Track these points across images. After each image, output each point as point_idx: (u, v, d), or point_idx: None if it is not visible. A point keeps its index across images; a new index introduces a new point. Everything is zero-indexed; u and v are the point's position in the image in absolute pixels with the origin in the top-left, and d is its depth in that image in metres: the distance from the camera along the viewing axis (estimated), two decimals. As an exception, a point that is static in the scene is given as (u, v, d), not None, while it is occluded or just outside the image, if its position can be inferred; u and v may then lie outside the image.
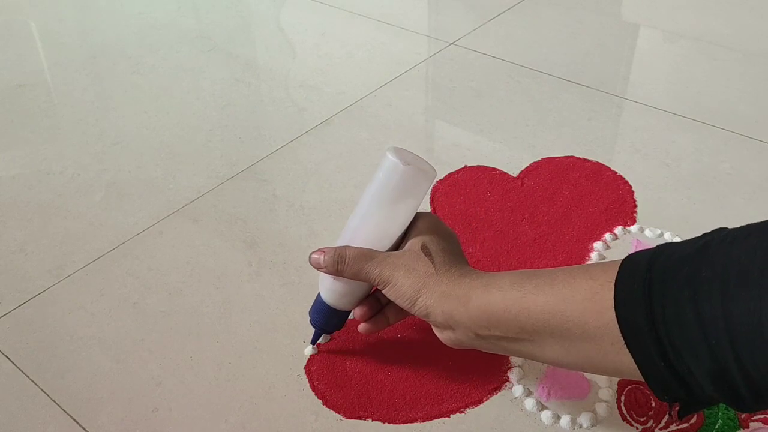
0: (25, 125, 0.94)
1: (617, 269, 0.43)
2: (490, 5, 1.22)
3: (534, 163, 0.84)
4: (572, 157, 0.85)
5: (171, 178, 0.83)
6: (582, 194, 0.79)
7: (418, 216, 0.55)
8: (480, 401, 0.57)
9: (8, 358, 0.61)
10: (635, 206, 0.77)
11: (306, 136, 0.90)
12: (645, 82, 1.01)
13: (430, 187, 0.54)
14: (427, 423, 0.56)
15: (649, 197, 0.79)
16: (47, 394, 0.58)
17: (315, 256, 0.55)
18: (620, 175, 0.82)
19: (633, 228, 0.74)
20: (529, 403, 0.56)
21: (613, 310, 0.42)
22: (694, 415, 0.55)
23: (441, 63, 1.06)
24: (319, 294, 0.58)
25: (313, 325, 0.59)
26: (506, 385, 0.58)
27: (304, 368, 0.60)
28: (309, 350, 0.61)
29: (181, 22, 1.20)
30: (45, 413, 0.57)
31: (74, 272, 0.70)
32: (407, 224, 0.55)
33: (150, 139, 0.90)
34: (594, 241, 0.73)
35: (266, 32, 1.18)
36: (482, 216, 0.76)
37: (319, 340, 0.62)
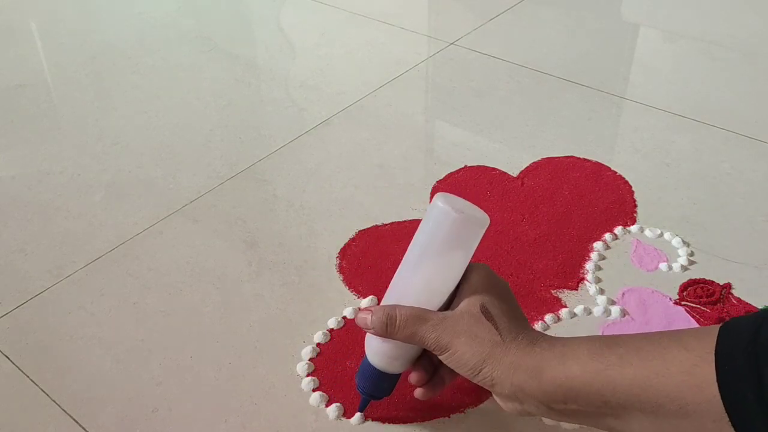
0: (25, 125, 0.94)
1: (715, 338, 0.39)
2: (490, 5, 1.22)
3: (534, 163, 0.84)
4: (572, 157, 0.85)
5: (171, 178, 0.83)
6: (582, 194, 0.79)
7: (469, 268, 0.50)
8: (480, 401, 0.57)
9: (8, 358, 0.61)
10: (635, 206, 0.77)
11: (306, 136, 0.90)
12: (645, 82, 1.01)
13: (479, 240, 0.50)
14: (427, 423, 0.56)
15: (649, 197, 0.79)
16: (47, 394, 0.58)
17: (362, 315, 0.50)
18: (620, 175, 0.82)
19: (633, 228, 0.74)
20: (529, 403, 0.56)
21: (716, 385, 0.38)
22: None
23: (441, 63, 1.06)
24: (366, 357, 0.53)
25: (360, 392, 0.54)
26: (506, 385, 0.58)
27: (305, 368, 0.60)
28: (357, 419, 0.55)
29: (181, 22, 1.20)
30: (45, 413, 0.57)
31: (74, 272, 0.70)
32: (459, 278, 0.50)
33: (150, 139, 0.90)
34: (594, 241, 0.73)
35: (266, 32, 1.18)
36: (482, 216, 0.76)
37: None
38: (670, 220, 0.75)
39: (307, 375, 0.59)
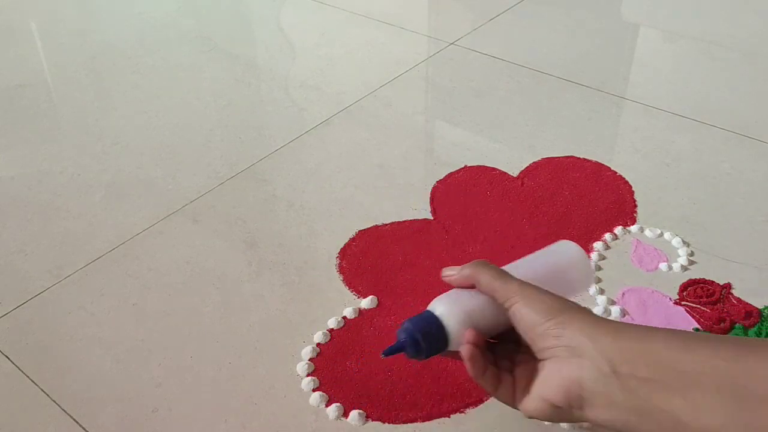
0: (25, 125, 0.94)
1: None
2: (490, 5, 1.22)
3: (534, 163, 0.84)
4: (572, 157, 0.85)
5: (171, 178, 0.83)
6: (582, 194, 0.79)
7: None
8: (480, 401, 0.57)
9: (8, 358, 0.61)
10: (635, 206, 0.77)
11: (306, 136, 0.90)
12: (645, 82, 1.01)
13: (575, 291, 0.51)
14: (427, 423, 0.56)
15: (649, 197, 0.79)
16: (47, 394, 0.58)
17: (448, 269, 0.48)
18: (620, 175, 0.82)
19: (633, 228, 0.74)
20: (529, 403, 0.56)
21: None
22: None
23: (441, 63, 1.06)
24: (427, 311, 0.48)
25: (402, 336, 0.46)
26: (506, 385, 0.58)
27: (305, 368, 0.60)
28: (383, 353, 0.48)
29: (181, 22, 1.20)
30: (45, 413, 0.57)
31: (74, 272, 0.70)
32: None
33: (150, 139, 0.90)
34: (594, 241, 0.73)
35: (266, 32, 1.18)
36: (482, 216, 0.76)
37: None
38: (670, 220, 0.75)
39: (307, 375, 0.59)
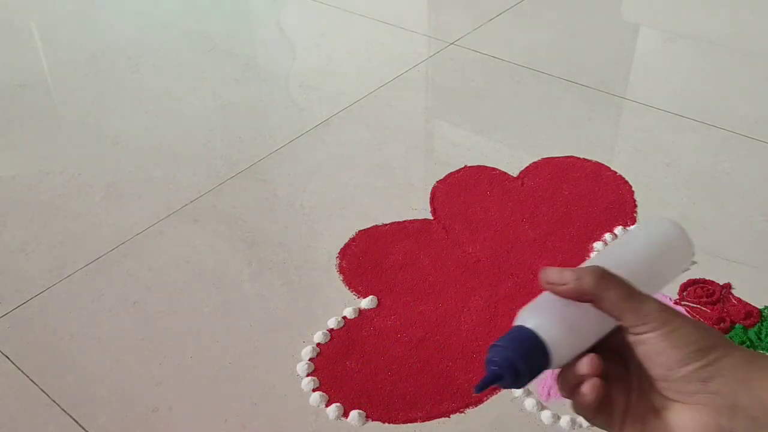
0: (25, 125, 0.94)
1: None
2: (490, 5, 1.22)
3: (534, 163, 0.84)
4: (572, 157, 0.85)
5: (171, 178, 0.83)
6: (582, 194, 0.79)
7: None
8: (480, 401, 0.57)
9: (8, 358, 0.61)
10: (635, 206, 0.77)
11: (306, 136, 0.90)
12: (645, 82, 1.00)
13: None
14: (427, 423, 0.56)
15: (649, 197, 0.79)
16: (47, 394, 0.58)
17: (555, 272, 0.37)
18: (620, 175, 0.82)
19: (633, 228, 0.74)
20: (529, 403, 0.56)
21: None
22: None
23: (441, 63, 1.06)
24: (519, 325, 0.38)
25: (491, 365, 0.36)
26: (506, 385, 0.58)
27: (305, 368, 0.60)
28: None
29: (181, 22, 1.20)
30: (45, 413, 0.57)
31: (74, 272, 0.70)
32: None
33: (150, 139, 0.90)
34: (594, 241, 0.73)
35: (266, 32, 1.18)
36: (482, 216, 0.76)
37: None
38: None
39: (307, 375, 0.59)
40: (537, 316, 0.38)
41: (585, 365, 0.37)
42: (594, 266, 0.38)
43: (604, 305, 0.37)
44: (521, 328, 0.37)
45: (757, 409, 0.35)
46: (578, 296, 0.37)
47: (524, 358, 0.36)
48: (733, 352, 0.35)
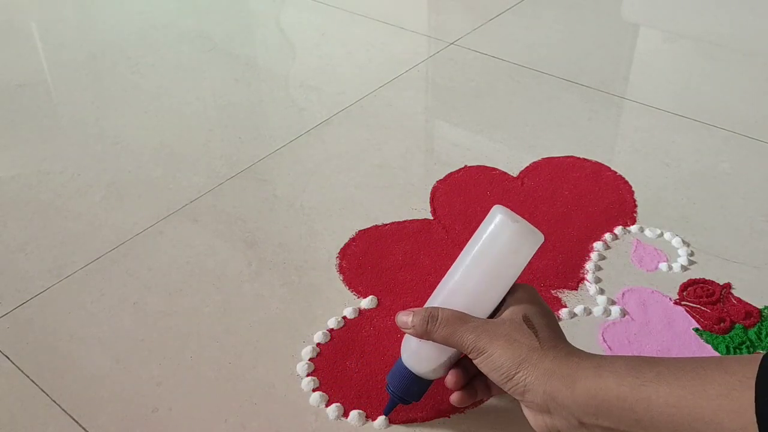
0: (25, 125, 0.94)
1: (757, 365, 0.38)
2: (490, 5, 1.22)
3: (534, 163, 0.84)
4: (572, 157, 0.85)
5: (171, 178, 0.83)
6: (582, 194, 0.79)
7: (516, 285, 0.50)
8: (480, 401, 0.57)
9: (8, 358, 0.62)
10: (635, 206, 0.77)
11: (306, 136, 0.90)
12: (645, 82, 1.01)
13: (533, 254, 0.50)
14: (427, 423, 0.56)
15: (649, 197, 0.79)
16: (47, 394, 0.58)
17: (403, 317, 0.50)
18: (620, 175, 0.82)
19: (633, 228, 0.74)
20: (529, 403, 0.56)
21: (753, 411, 0.36)
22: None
23: (441, 63, 1.06)
24: (400, 359, 0.53)
25: (390, 392, 0.53)
26: (506, 385, 0.58)
27: (305, 368, 0.60)
28: (381, 422, 0.55)
29: (181, 22, 1.20)
30: (45, 413, 0.57)
31: (74, 272, 0.70)
32: (507, 289, 0.50)
33: (150, 139, 0.90)
34: (594, 241, 0.73)
35: (266, 32, 1.18)
36: (482, 216, 0.76)
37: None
38: (670, 220, 0.75)
39: (307, 375, 0.59)
40: (405, 352, 0.52)
41: (448, 382, 0.51)
42: (424, 311, 0.50)
43: (436, 342, 0.49)
44: (399, 362, 0.53)
45: (567, 415, 0.44)
46: (420, 337, 0.50)
47: (406, 388, 0.52)
48: (538, 367, 0.44)
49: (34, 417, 0.57)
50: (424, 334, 0.49)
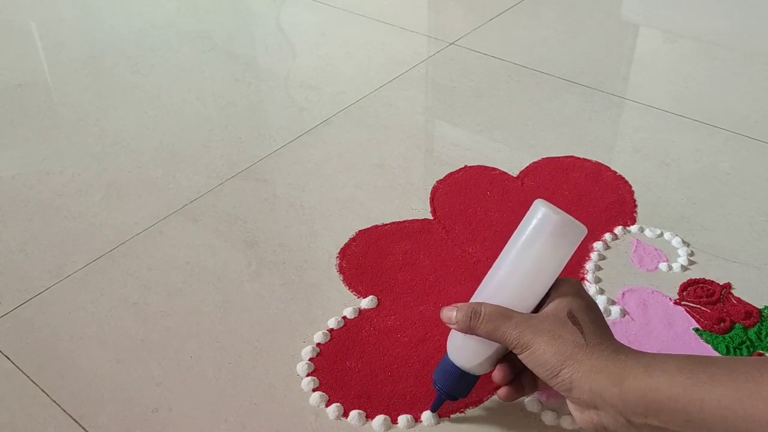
0: (25, 125, 0.94)
1: None
2: (490, 5, 1.22)
3: (534, 163, 0.84)
4: (572, 157, 0.85)
5: (171, 178, 0.83)
6: (582, 194, 0.79)
7: (560, 280, 0.50)
8: (480, 401, 0.57)
9: (8, 358, 0.61)
10: (635, 206, 0.77)
11: (306, 136, 0.90)
12: (645, 82, 1.01)
13: (576, 247, 0.50)
14: (427, 423, 0.56)
15: (649, 197, 0.79)
16: (47, 394, 0.58)
17: (447, 312, 0.50)
18: (620, 175, 0.82)
19: (633, 228, 0.74)
20: (530, 403, 0.56)
21: None
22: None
23: (441, 63, 1.06)
24: (446, 355, 0.53)
25: (436, 389, 0.53)
26: (506, 385, 0.58)
27: (305, 368, 0.60)
28: (428, 418, 0.55)
29: (181, 22, 1.20)
30: (45, 413, 0.57)
31: (74, 272, 0.70)
32: (551, 283, 0.50)
33: (150, 139, 0.90)
34: (594, 241, 0.73)
35: (266, 32, 1.18)
36: (482, 216, 0.76)
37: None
38: (670, 220, 0.75)
39: (307, 375, 0.59)
40: (451, 348, 0.52)
41: (495, 377, 0.51)
42: (467, 306, 0.49)
43: (480, 336, 0.49)
44: (445, 358, 0.53)
45: (614, 414, 0.43)
46: (464, 332, 0.49)
47: (453, 384, 0.52)
48: (585, 363, 0.44)
49: (34, 417, 0.57)
50: (468, 330, 0.49)
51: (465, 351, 0.51)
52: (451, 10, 1.23)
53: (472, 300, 0.51)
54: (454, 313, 0.50)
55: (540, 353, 0.45)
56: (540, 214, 0.50)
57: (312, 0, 1.25)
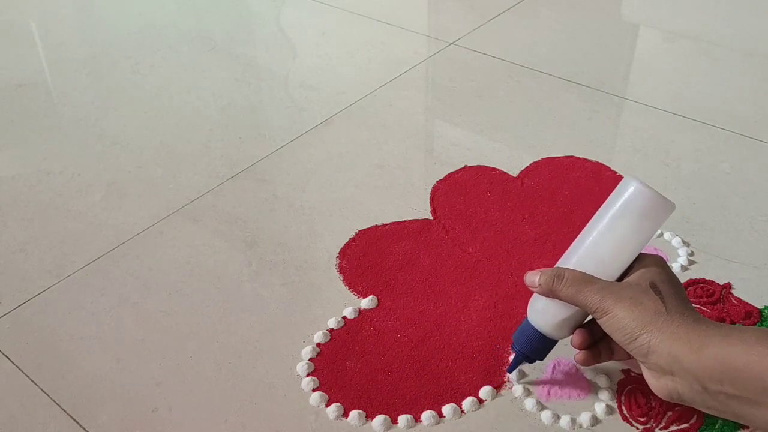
0: (25, 125, 0.94)
1: None
2: (490, 5, 1.22)
3: (534, 163, 0.84)
4: (572, 157, 0.85)
5: (171, 178, 0.83)
6: (582, 194, 0.79)
7: (643, 255, 0.51)
8: (480, 402, 0.57)
9: (8, 358, 0.62)
10: (635, 206, 0.77)
11: (306, 136, 0.90)
12: (645, 82, 1.01)
13: (664, 221, 0.52)
14: (427, 423, 0.56)
15: (649, 197, 0.78)
16: (47, 394, 0.58)
17: (531, 276, 0.51)
18: (620, 175, 0.82)
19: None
20: (529, 403, 0.56)
21: None
22: (693, 415, 0.55)
23: (441, 63, 1.06)
24: (526, 318, 0.54)
25: (515, 351, 0.55)
26: (506, 385, 0.58)
27: (304, 368, 0.60)
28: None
29: (181, 22, 1.20)
30: (45, 413, 0.57)
31: (74, 272, 0.70)
32: (635, 255, 0.51)
33: (150, 139, 0.90)
34: (594, 241, 0.72)
35: (266, 32, 1.18)
36: (482, 216, 0.76)
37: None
38: (670, 220, 0.75)
39: (307, 375, 0.59)
40: (532, 311, 0.54)
41: (574, 342, 0.52)
42: (552, 270, 0.51)
43: (562, 300, 0.50)
44: (525, 321, 0.54)
45: (691, 380, 0.44)
46: (546, 295, 0.51)
47: (531, 346, 0.54)
48: (665, 329, 0.45)
49: (34, 417, 0.57)
50: (549, 293, 0.50)
51: (545, 315, 0.53)
52: (451, 10, 1.23)
53: (558, 266, 0.53)
54: (538, 277, 0.51)
55: (620, 318, 0.46)
56: (632, 188, 0.52)
57: (312, 0, 1.25)
